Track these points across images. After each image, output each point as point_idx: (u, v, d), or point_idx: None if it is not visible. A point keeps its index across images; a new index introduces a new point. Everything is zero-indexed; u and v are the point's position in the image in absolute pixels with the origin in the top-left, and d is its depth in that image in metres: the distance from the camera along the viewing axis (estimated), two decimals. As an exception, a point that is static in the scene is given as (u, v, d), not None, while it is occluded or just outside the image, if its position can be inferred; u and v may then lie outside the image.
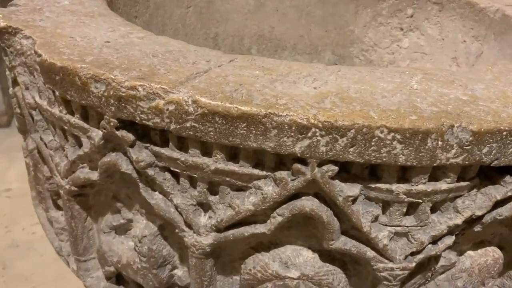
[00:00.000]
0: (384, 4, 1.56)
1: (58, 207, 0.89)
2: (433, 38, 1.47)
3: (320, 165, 0.55)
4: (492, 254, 0.69)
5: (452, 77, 0.68)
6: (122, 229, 0.77)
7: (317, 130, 0.53)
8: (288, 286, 0.65)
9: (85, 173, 0.71)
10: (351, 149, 0.54)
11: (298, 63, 0.69)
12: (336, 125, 0.53)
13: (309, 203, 0.59)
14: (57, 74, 0.64)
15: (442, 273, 0.70)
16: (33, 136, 0.81)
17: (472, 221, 0.62)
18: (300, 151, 0.55)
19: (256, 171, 0.59)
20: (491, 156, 0.55)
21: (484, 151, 0.55)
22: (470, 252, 0.69)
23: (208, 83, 0.60)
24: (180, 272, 0.75)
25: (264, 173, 0.59)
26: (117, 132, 0.62)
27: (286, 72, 0.66)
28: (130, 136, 0.62)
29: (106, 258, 0.78)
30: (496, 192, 0.60)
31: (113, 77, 0.60)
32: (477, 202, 0.60)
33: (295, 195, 0.59)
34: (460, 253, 0.69)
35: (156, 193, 0.66)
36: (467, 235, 0.66)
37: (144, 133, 0.63)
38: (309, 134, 0.53)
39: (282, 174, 0.58)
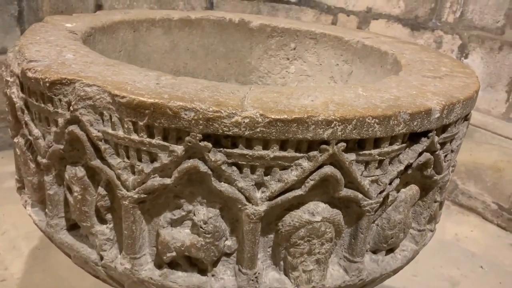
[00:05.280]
0: (272, 41, 2.02)
1: (102, 221, 1.09)
2: (313, 64, 1.98)
3: (336, 143, 0.94)
4: (414, 188, 1.16)
5: (377, 87, 1.13)
6: (178, 222, 1.03)
7: (336, 122, 0.91)
8: (315, 227, 1.01)
9: (158, 180, 0.96)
10: (354, 131, 0.93)
11: (292, 87, 1.07)
12: (346, 118, 0.92)
13: (329, 169, 0.96)
14: (147, 109, 0.90)
15: (389, 205, 1.14)
16: (93, 163, 1.00)
17: (406, 167, 1.07)
18: (326, 137, 0.92)
19: (297, 154, 0.94)
20: (418, 126, 1.01)
21: (414, 123, 1.00)
22: (403, 189, 1.15)
23: (258, 103, 0.93)
24: (229, 242, 1.04)
25: (301, 154, 0.94)
26: (200, 143, 0.90)
27: (289, 93, 1.02)
28: (210, 145, 0.91)
29: (170, 246, 1.02)
30: (418, 148, 1.06)
31: (197, 106, 0.89)
32: (409, 155, 1.05)
33: (319, 166, 0.96)
34: (398, 191, 1.14)
35: (222, 183, 0.96)
36: (402, 178, 1.11)
37: (215, 142, 0.92)
38: (332, 125, 0.91)
39: (314, 153, 0.94)
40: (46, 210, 1.16)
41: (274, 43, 2.02)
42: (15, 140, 1.21)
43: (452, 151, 1.19)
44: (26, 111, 1.11)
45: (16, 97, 1.12)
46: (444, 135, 1.11)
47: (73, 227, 1.18)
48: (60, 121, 1.01)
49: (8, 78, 1.16)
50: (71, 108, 0.98)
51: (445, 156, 1.17)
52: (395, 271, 1.23)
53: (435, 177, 1.16)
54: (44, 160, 1.09)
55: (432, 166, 1.13)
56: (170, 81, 1.02)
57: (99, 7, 3.49)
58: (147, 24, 1.83)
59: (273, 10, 3.87)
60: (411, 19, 3.50)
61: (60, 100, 1.00)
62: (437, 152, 1.11)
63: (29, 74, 1.03)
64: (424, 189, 1.20)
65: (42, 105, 1.04)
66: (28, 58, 1.09)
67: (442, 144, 1.13)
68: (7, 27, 3.43)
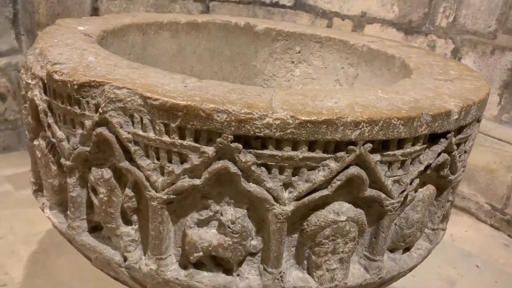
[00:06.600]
0: (277, 44, 2.04)
1: (127, 223, 1.09)
2: (318, 67, 2.00)
3: (363, 144, 0.96)
4: (431, 188, 1.19)
5: (395, 89, 1.16)
6: (205, 222, 1.04)
7: (364, 123, 0.94)
8: (340, 226, 1.03)
9: (187, 181, 0.98)
10: (380, 132, 0.96)
11: (315, 89, 1.09)
12: (373, 119, 0.94)
13: (355, 170, 0.99)
14: (180, 111, 0.91)
15: (407, 205, 1.17)
16: (121, 165, 1.01)
17: (426, 168, 1.10)
18: (354, 138, 0.94)
19: (325, 155, 0.96)
20: (438, 127, 1.04)
21: (436, 125, 1.03)
22: (420, 189, 1.18)
23: (287, 105, 0.95)
24: (255, 242, 1.06)
25: (329, 155, 0.97)
26: (231, 144, 0.92)
27: (313, 95, 1.04)
28: (240, 146, 0.93)
29: (197, 246, 1.03)
30: (437, 148, 1.09)
31: (229, 108, 0.90)
32: (429, 156, 1.09)
33: (346, 167, 0.98)
34: (415, 191, 1.17)
35: (251, 183, 0.97)
36: (421, 178, 1.14)
37: (244, 143, 0.94)
38: (360, 126, 0.94)
39: (341, 154, 0.96)
40: (68, 212, 1.16)
41: (279, 47, 2.05)
42: (35, 142, 1.21)
43: (465, 151, 1.23)
44: (49, 113, 1.11)
45: (39, 99, 1.12)
46: (459, 136, 1.15)
47: (94, 229, 1.18)
48: (88, 123, 1.02)
49: (29, 81, 1.16)
50: (100, 110, 0.99)
51: (459, 156, 1.20)
52: (410, 269, 1.26)
53: (450, 177, 1.19)
54: (68, 162, 1.09)
55: (449, 166, 1.16)
56: (197, 83, 1.04)
57: (95, 10, 3.48)
58: (155, 27, 1.84)
59: (268, 14, 3.90)
60: (405, 23, 3.56)
61: (87, 102, 1.01)
62: (453, 153, 1.14)
63: (56, 76, 1.03)
64: (438, 189, 1.24)
65: (68, 107, 1.04)
66: (52, 61, 1.09)
67: (458, 145, 1.16)
68: (1, 30, 3.40)
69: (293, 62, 2.05)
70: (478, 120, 1.26)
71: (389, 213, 1.08)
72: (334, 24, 3.85)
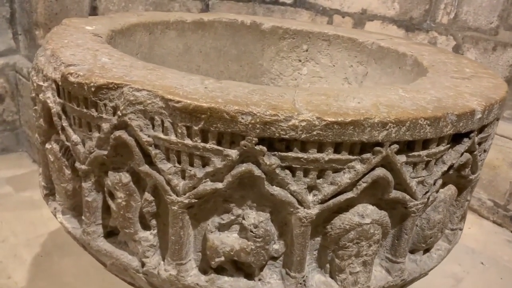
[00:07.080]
0: (284, 42, 2.02)
1: (145, 228, 1.07)
2: (326, 65, 1.98)
3: (389, 145, 0.94)
4: (452, 188, 1.17)
5: (416, 88, 1.14)
6: (226, 226, 1.02)
7: (391, 124, 0.92)
8: (364, 229, 1.01)
9: (209, 185, 0.95)
10: (407, 133, 0.94)
11: (336, 89, 1.07)
12: (400, 120, 0.92)
13: (380, 171, 0.97)
14: (203, 113, 0.88)
15: (429, 206, 1.15)
16: (141, 169, 0.99)
17: (449, 168, 1.09)
18: (381, 139, 0.92)
19: (351, 157, 0.94)
20: (463, 127, 1.02)
21: (460, 124, 1.01)
22: (441, 190, 1.16)
23: (311, 105, 0.93)
24: (277, 246, 1.04)
25: (355, 157, 0.95)
26: (256, 147, 0.90)
27: (335, 95, 1.02)
28: (265, 148, 0.90)
29: (219, 251, 1.01)
30: (460, 148, 1.07)
31: (254, 110, 0.88)
32: (452, 156, 1.07)
33: (372, 168, 0.96)
34: (437, 192, 1.15)
35: (275, 187, 0.95)
36: (443, 179, 1.12)
37: (268, 145, 0.92)
38: (387, 127, 0.92)
39: (367, 155, 0.94)
40: (83, 217, 1.13)
41: (286, 45, 2.02)
42: (47, 146, 1.18)
43: (484, 150, 1.22)
44: (63, 116, 1.08)
45: (52, 102, 1.09)
46: (481, 135, 1.13)
47: (109, 234, 1.16)
48: (105, 126, 0.99)
49: (41, 83, 1.13)
50: (119, 113, 0.96)
51: (480, 155, 1.19)
52: (430, 270, 1.25)
53: (470, 177, 1.18)
54: (84, 166, 1.07)
55: (470, 166, 1.14)
56: (216, 84, 1.01)
57: (94, 9, 3.43)
58: (162, 26, 1.81)
59: (268, 11, 3.87)
60: (406, 20, 3.55)
61: (105, 105, 0.98)
62: (475, 152, 1.12)
63: (71, 78, 1.00)
64: (458, 189, 1.22)
65: (85, 110, 1.01)
66: (66, 63, 1.06)
67: (479, 144, 1.15)
68: (-2, 29, 3.35)
69: (300, 61, 2.03)
70: (498, 119, 1.25)
71: (412, 214, 1.06)
72: (335, 22, 3.83)
